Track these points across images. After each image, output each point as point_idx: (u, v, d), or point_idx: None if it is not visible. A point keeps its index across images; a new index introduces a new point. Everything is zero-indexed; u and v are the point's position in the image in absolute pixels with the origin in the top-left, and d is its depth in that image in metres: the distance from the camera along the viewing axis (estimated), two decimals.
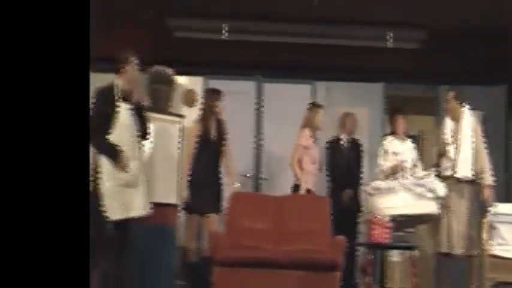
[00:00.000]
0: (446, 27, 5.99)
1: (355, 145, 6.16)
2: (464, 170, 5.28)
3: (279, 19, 6.22)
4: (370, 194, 5.19)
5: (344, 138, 6.09)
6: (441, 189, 5.06)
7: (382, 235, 4.82)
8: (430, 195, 5.03)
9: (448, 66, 6.31)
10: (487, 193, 5.26)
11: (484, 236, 5.11)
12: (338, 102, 5.92)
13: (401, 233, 4.94)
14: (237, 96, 6.18)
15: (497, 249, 5.02)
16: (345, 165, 5.94)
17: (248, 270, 4.57)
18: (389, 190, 5.08)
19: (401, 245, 4.98)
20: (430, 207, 5.04)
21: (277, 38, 6.40)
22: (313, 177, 5.58)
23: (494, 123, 6.55)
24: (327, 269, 4.56)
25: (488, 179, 5.28)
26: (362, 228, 5.43)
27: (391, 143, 5.54)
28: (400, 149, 5.52)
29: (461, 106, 5.36)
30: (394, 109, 5.75)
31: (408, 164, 5.45)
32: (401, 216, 4.99)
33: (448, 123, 5.42)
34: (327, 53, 6.39)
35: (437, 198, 5.06)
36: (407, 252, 5.05)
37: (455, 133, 5.38)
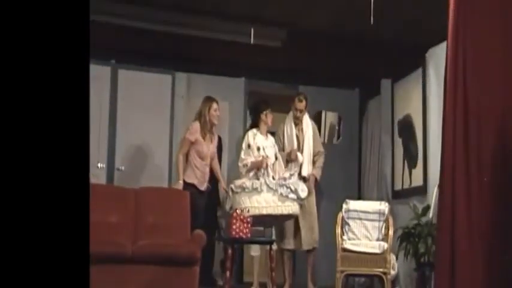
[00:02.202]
0: (309, 29, 6.12)
1: None
2: (308, 169, 5.62)
3: (142, 4, 5.91)
4: (234, 192, 5.14)
5: None
6: (303, 190, 5.22)
7: (242, 230, 4.77)
8: (292, 196, 5.16)
9: (310, 67, 6.46)
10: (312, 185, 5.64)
11: (338, 231, 5.29)
12: (199, 95, 5.73)
13: (260, 228, 4.91)
14: (91, 81, 5.71)
15: (349, 244, 5.22)
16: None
17: (102, 266, 4.24)
18: (254, 190, 5.10)
19: (261, 239, 4.96)
20: (292, 208, 5.19)
21: (137, 23, 6.06)
22: (201, 173, 5.32)
23: (349, 124, 6.83)
24: (185, 263, 4.46)
25: (319, 174, 5.71)
26: (222, 223, 5.32)
27: (255, 138, 5.49)
28: (263, 145, 5.50)
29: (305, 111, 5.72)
30: (258, 104, 5.72)
31: (271, 160, 5.45)
32: (264, 216, 5.01)
33: (294, 130, 5.63)
34: (188, 43, 6.21)
35: (299, 199, 5.21)
36: (267, 247, 5.02)
37: (300, 137, 5.70)
